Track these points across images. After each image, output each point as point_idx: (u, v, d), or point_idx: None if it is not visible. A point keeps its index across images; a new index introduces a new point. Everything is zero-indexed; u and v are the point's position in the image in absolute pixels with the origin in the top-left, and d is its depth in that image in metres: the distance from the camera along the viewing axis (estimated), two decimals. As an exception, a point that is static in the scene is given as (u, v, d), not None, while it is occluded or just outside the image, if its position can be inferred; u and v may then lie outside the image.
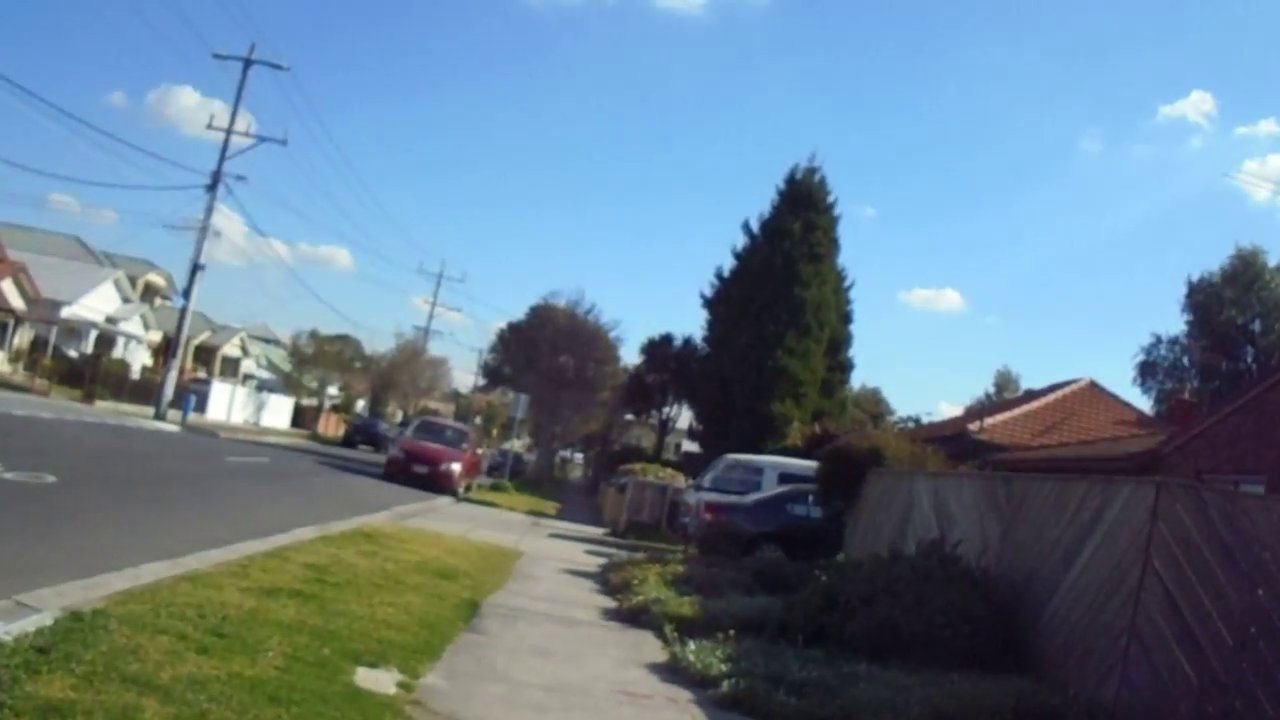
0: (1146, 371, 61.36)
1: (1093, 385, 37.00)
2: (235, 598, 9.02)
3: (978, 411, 37.94)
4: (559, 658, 9.96)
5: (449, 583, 12.86)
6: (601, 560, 20.41)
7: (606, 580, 16.85)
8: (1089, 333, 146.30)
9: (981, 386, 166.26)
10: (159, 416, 44.05)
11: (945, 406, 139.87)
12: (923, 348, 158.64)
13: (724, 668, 9.63)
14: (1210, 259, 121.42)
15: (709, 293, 52.00)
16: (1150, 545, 9.30)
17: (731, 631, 11.93)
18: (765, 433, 44.05)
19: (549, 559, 19.63)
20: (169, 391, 45.76)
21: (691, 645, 10.41)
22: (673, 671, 9.99)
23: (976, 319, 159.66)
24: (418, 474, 34.07)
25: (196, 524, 14.38)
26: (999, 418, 32.98)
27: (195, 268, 46.12)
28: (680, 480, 33.77)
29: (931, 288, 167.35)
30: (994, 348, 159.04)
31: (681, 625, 12.21)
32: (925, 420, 57.57)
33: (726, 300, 49.93)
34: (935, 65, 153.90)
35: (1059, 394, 35.81)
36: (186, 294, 46.82)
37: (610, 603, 14.68)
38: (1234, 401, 20.14)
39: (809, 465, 26.10)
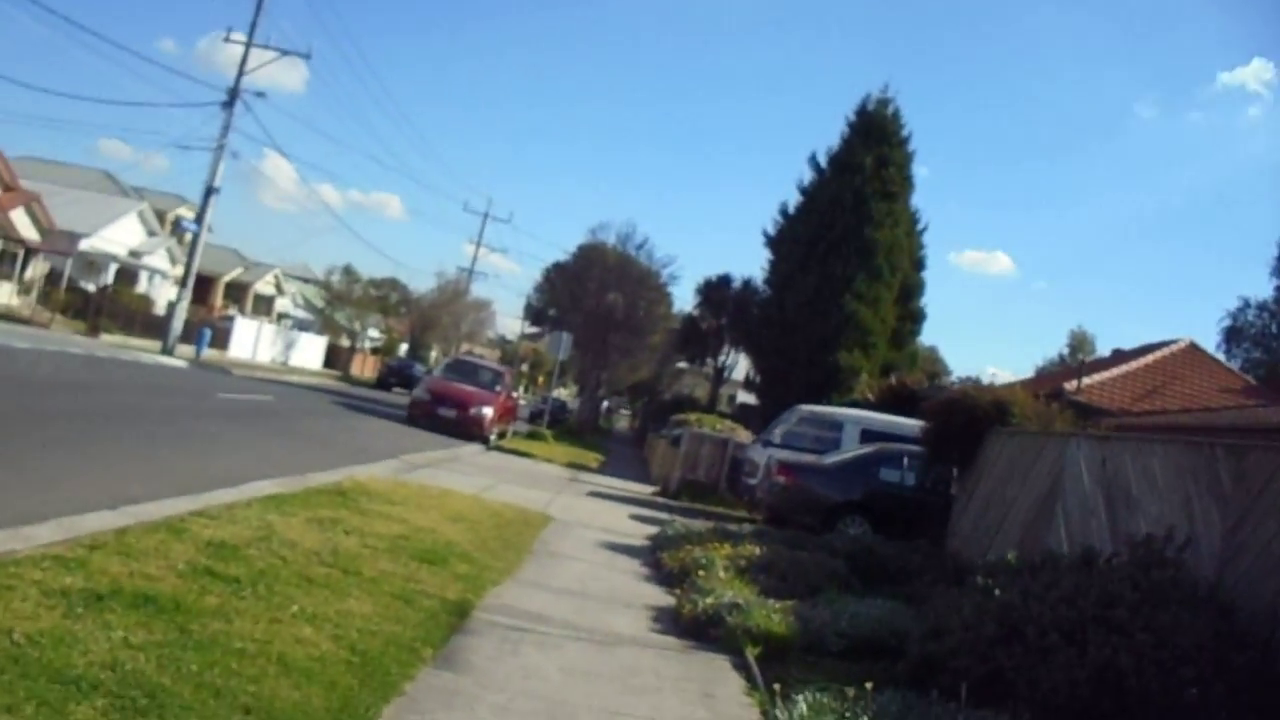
0: (1232, 337, 57.80)
1: (1193, 347, 33.74)
2: (29, 608, 5.23)
3: (1073, 370, 33.99)
4: (585, 721, 6.12)
5: (432, 569, 8.94)
6: (651, 529, 16.52)
7: (658, 561, 12.96)
8: (1158, 298, 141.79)
9: (1037, 350, 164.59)
10: (166, 351, 40.33)
11: (991, 370, 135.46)
12: (971, 310, 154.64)
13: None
14: (1269, 231, 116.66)
15: (772, 230, 47.70)
16: None
17: (845, 663, 8.22)
18: (830, 385, 39.99)
19: (585, 526, 15.72)
20: (178, 325, 41.86)
21: (802, 705, 6.42)
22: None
23: (1025, 284, 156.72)
24: (444, 418, 30.31)
25: (111, 474, 10.64)
26: (1095, 378, 28.96)
27: (208, 190, 42.09)
28: (741, 434, 29.64)
29: (983, 249, 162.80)
30: (1043, 313, 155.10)
31: (770, 647, 8.36)
32: (986, 382, 53.52)
33: (791, 239, 45.58)
34: (989, 25, 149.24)
35: (1156, 355, 32.22)
36: (199, 219, 42.88)
37: (664, 598, 10.78)
38: None
39: (898, 421, 22.25)
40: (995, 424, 15.10)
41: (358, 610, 6.91)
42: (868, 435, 21.63)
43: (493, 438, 31.38)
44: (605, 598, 10.25)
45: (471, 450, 26.99)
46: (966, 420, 15.37)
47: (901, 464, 18.62)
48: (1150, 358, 31.85)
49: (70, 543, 6.78)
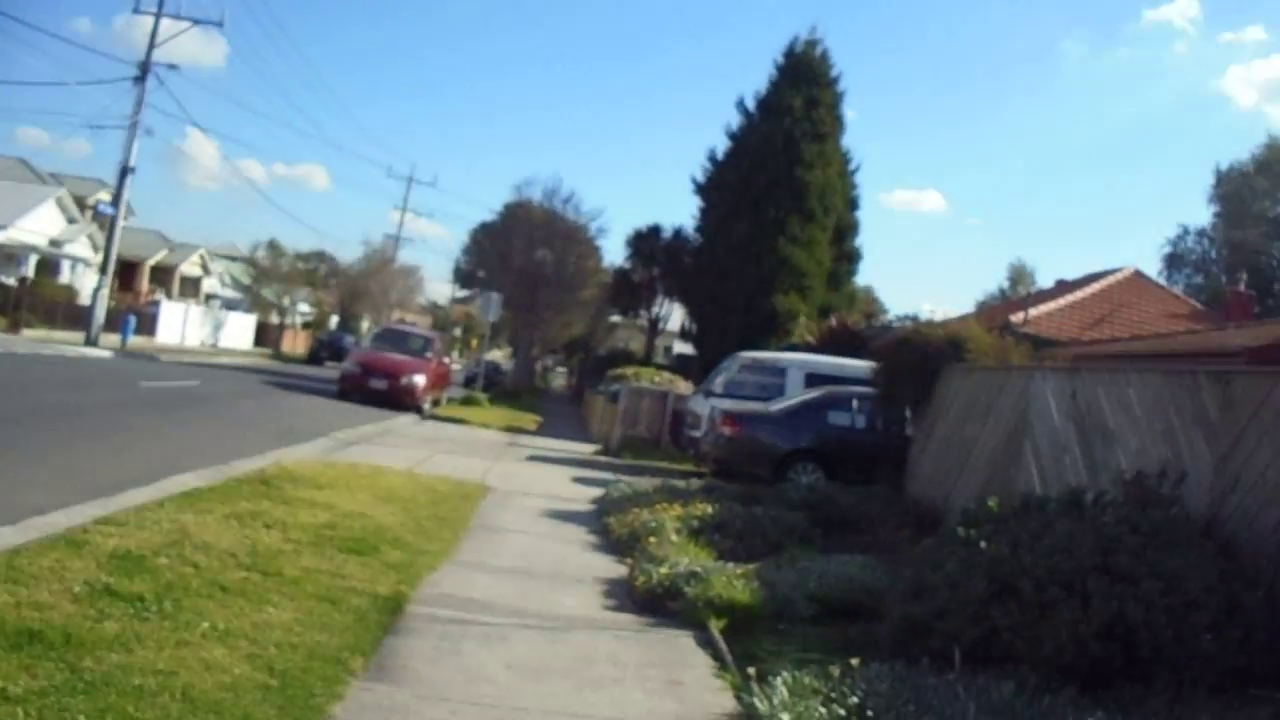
0: (1173, 263, 59.58)
1: (1138, 275, 33.97)
2: None
3: (1017, 303, 33.62)
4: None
5: (361, 561, 8.08)
6: (595, 491, 15.73)
7: (606, 527, 12.21)
8: (1096, 230, 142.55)
9: (975, 286, 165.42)
10: (90, 342, 38.82)
11: (928, 307, 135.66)
12: (904, 250, 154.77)
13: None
14: (1198, 165, 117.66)
15: (701, 178, 46.80)
16: None
17: (819, 629, 7.75)
18: (768, 330, 39.38)
19: (526, 494, 14.91)
20: (100, 314, 40.28)
21: (781, 689, 5.67)
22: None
23: (958, 220, 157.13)
24: (375, 390, 29.30)
25: (15, 484, 9.64)
26: (1042, 309, 28.61)
27: (124, 170, 40.53)
28: (681, 385, 28.85)
29: (913, 188, 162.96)
30: (978, 249, 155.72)
31: (736, 618, 7.63)
32: (925, 319, 53.21)
33: (721, 185, 44.71)
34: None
35: (1102, 284, 32.22)
36: (116, 200, 41.28)
37: (615, 568, 10.03)
38: None
39: (843, 363, 21.65)
40: (950, 361, 14.44)
41: (277, 619, 6.08)
42: (812, 379, 20.95)
43: (426, 406, 30.45)
44: (551, 574, 9.45)
45: (405, 421, 26.05)
46: (919, 358, 14.70)
47: (851, 407, 17.98)
48: (1096, 286, 31.76)
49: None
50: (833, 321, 35.14)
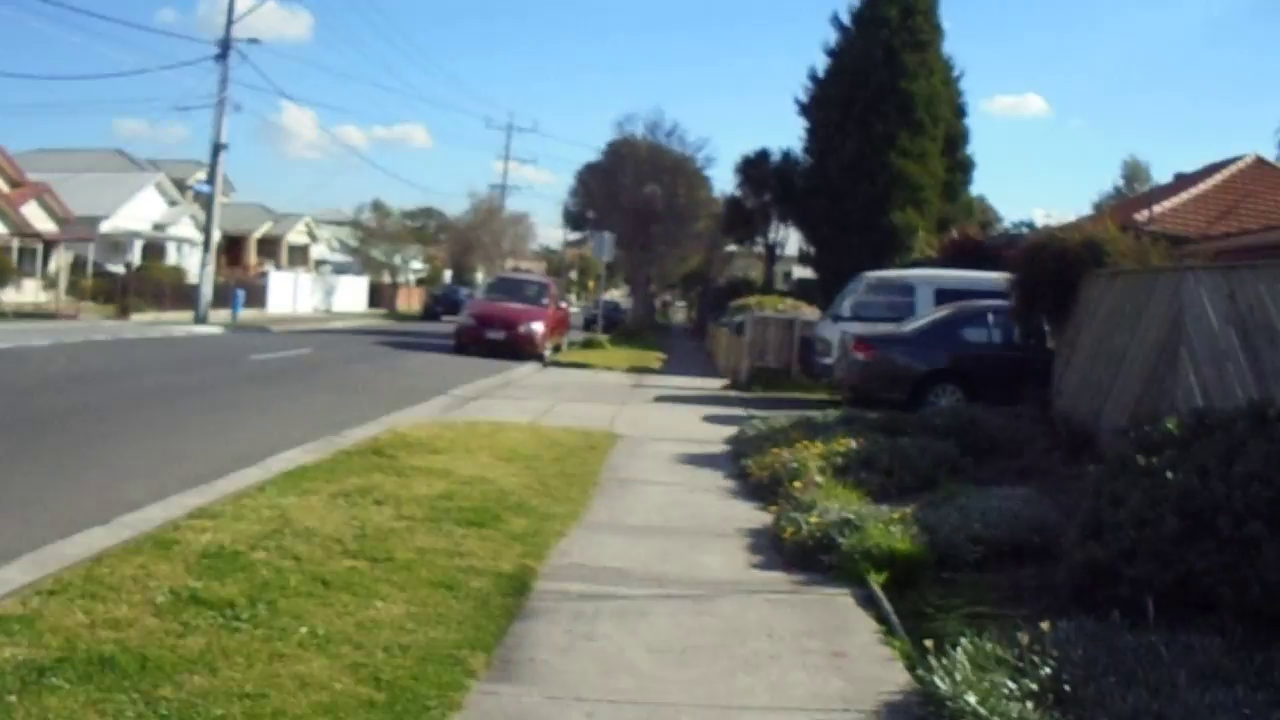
0: None
1: (1260, 161, 31.65)
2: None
3: (1138, 201, 32.24)
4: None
5: (482, 534, 7.60)
6: (728, 430, 15.18)
7: (743, 470, 11.60)
8: (1205, 118, 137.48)
9: (1086, 188, 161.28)
10: (200, 319, 39.18)
11: (1042, 212, 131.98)
12: (1009, 157, 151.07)
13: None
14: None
15: (804, 98, 45.62)
16: None
17: (988, 576, 7.18)
18: (887, 247, 38.22)
19: (656, 439, 14.38)
20: (206, 291, 40.64)
21: (963, 660, 5.04)
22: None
23: (1062, 122, 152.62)
24: (493, 340, 29.12)
25: (112, 475, 9.44)
26: (1165, 205, 27.18)
27: (216, 148, 40.66)
28: (806, 310, 28.02)
29: (1013, 94, 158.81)
30: (1084, 150, 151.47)
31: (897, 570, 7.02)
32: (1040, 225, 51.54)
33: (825, 104, 43.48)
34: None
35: (1224, 174, 30.12)
36: (210, 178, 41.52)
37: (758, 517, 9.44)
38: None
39: (972, 276, 20.80)
40: (1089, 266, 13.55)
41: (386, 616, 5.62)
42: (942, 295, 20.14)
43: (547, 353, 30.14)
44: (691, 529, 8.90)
45: (526, 370, 25.74)
46: (1057, 266, 13.78)
47: (987, 322, 17.18)
48: (1218, 177, 29.82)
49: (29, 589, 5.51)
50: (954, 234, 34.05)
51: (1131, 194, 54.46)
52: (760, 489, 10.53)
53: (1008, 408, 13.91)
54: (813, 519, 8.00)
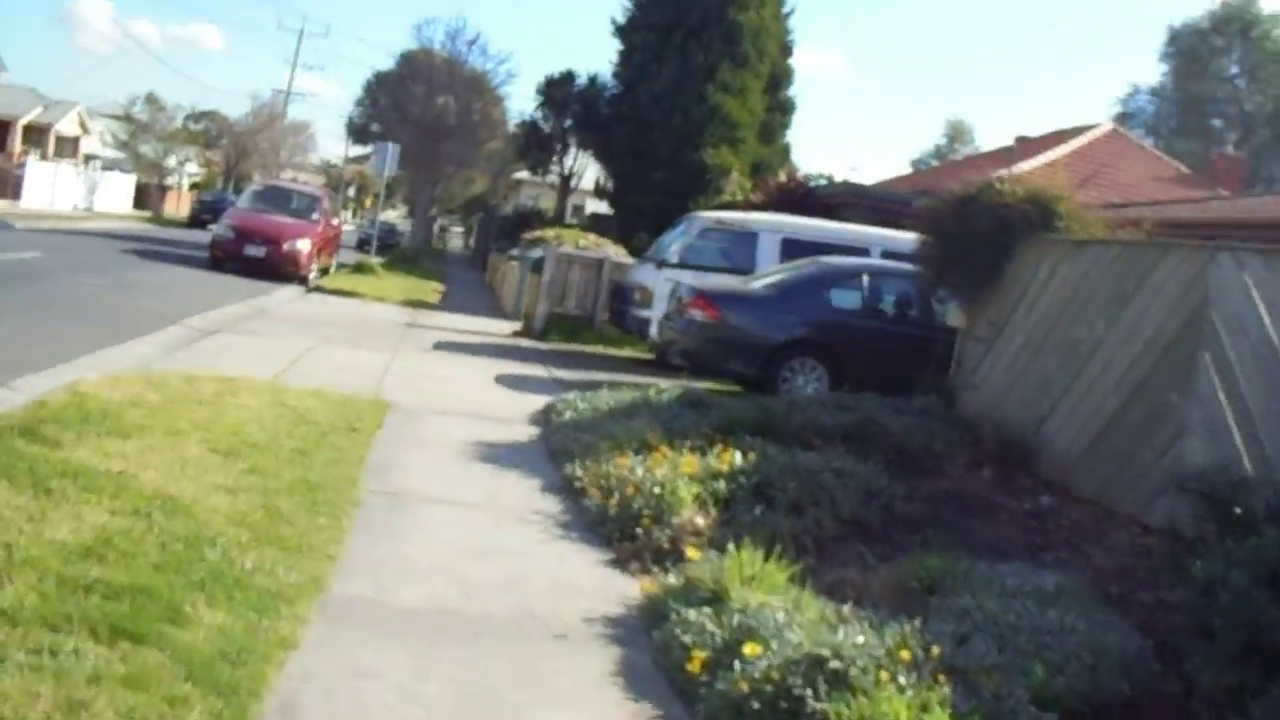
0: (1123, 124, 56.41)
1: (1116, 132, 31.79)
2: None
3: (970, 162, 30.19)
4: None
5: (127, 669, 3.68)
6: (533, 401, 11.65)
7: (570, 482, 8.02)
8: (1031, 90, 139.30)
9: (892, 149, 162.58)
10: (-58, 213, 33.51)
11: (851, 168, 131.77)
12: (809, 108, 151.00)
13: None
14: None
15: (621, 18, 41.75)
16: None
17: None
18: (695, 187, 35.09)
19: (440, 413, 10.63)
20: (-53, 182, 35.02)
21: None
22: None
23: (858, 79, 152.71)
24: (252, 257, 24.76)
25: None
26: (1022, 167, 25.05)
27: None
28: (613, 250, 24.30)
29: (810, 46, 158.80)
30: (896, 109, 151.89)
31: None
32: (851, 179, 49.59)
33: (644, 27, 39.71)
34: None
35: (1078, 142, 29.54)
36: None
37: (617, 591, 5.90)
38: None
39: (829, 227, 17.70)
40: (1035, 229, 10.35)
41: None
42: (791, 246, 16.88)
43: (312, 277, 25.97)
44: (510, 621, 5.22)
45: (285, 296, 21.55)
46: (993, 225, 10.51)
47: (861, 286, 13.94)
48: (1074, 144, 29.21)
49: None
50: (781, 176, 31.03)
51: (951, 153, 53.35)
52: (605, 521, 6.97)
53: (895, 399, 10.60)
54: (748, 649, 4.39)
